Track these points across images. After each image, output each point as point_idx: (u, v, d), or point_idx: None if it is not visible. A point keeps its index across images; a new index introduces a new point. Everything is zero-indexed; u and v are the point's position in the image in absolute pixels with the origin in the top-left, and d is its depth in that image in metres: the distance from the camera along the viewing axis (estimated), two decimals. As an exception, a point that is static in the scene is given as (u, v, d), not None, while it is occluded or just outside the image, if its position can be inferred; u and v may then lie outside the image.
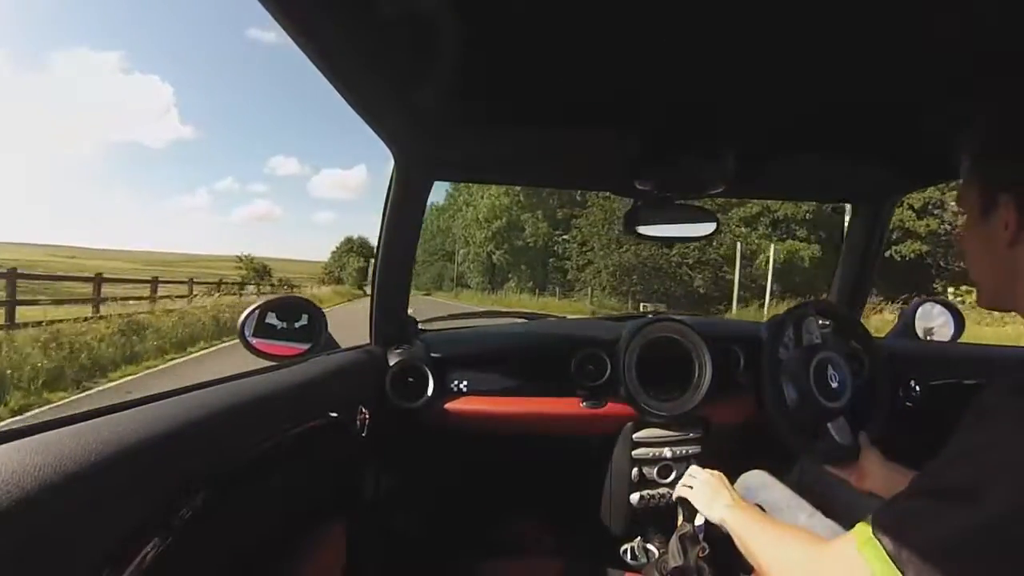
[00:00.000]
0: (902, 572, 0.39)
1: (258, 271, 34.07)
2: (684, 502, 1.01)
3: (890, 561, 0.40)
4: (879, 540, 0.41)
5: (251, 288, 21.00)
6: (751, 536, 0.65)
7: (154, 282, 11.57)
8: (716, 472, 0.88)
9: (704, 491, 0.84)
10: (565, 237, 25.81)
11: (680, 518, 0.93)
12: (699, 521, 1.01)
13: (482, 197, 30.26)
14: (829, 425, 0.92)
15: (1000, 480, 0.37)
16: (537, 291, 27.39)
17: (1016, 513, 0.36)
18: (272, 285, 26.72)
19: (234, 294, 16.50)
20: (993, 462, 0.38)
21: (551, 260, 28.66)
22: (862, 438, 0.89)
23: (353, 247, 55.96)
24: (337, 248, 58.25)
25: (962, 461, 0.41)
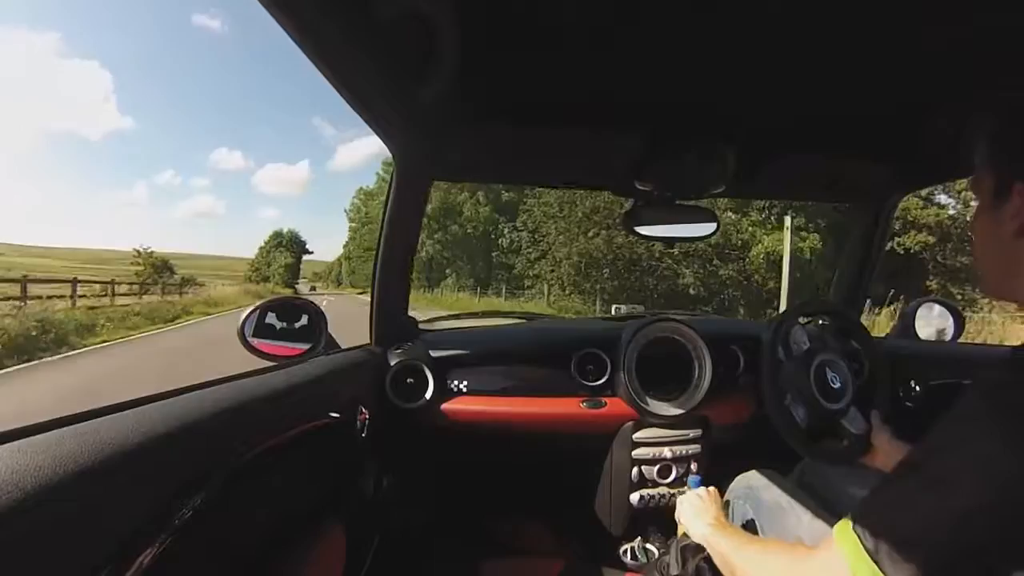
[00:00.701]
0: (877, 564, 0.40)
1: (157, 267, 30.02)
2: (674, 504, 1.01)
3: (866, 555, 0.41)
4: (857, 534, 0.42)
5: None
6: (732, 553, 0.64)
7: (74, 282, 11.72)
8: (710, 489, 0.87)
9: (689, 508, 0.84)
10: (514, 225, 21.44)
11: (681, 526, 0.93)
12: None
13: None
14: (843, 421, 0.92)
15: (971, 476, 0.39)
16: (479, 289, 23.24)
17: (984, 508, 0.37)
18: (175, 285, 23.49)
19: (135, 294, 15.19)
20: (965, 458, 0.40)
21: (495, 253, 24.44)
22: (874, 417, 0.90)
23: (282, 242, 52.60)
24: (265, 243, 54.06)
25: (937, 455, 0.42)
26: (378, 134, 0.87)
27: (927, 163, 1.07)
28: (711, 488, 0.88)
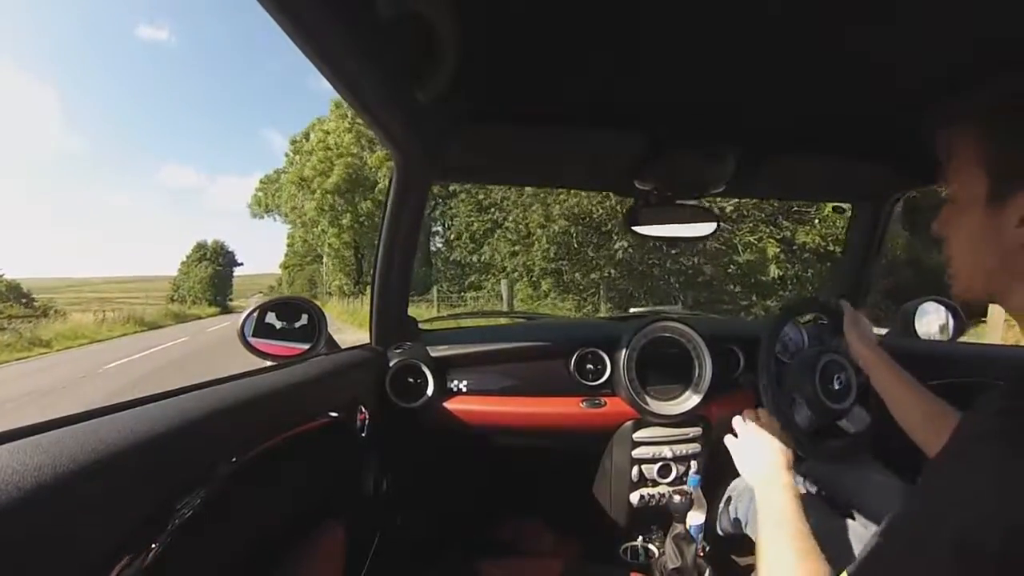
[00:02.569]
0: None
1: (4, 294, 24.39)
2: (673, 503, 1.01)
3: None
4: None
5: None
6: (764, 530, 0.62)
7: None
8: (772, 430, 0.81)
9: (745, 450, 0.80)
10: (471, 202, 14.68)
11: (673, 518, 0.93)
12: (693, 521, 1.01)
13: (314, 134, 17.63)
14: (844, 420, 0.92)
15: (986, 531, 0.33)
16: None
17: (1004, 563, 0.32)
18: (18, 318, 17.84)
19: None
20: (977, 512, 0.34)
21: (440, 244, 18.37)
22: (843, 305, 0.92)
23: (206, 254, 46.95)
24: (187, 257, 48.36)
25: (939, 513, 0.36)
26: (378, 135, 0.87)
27: (927, 163, 1.07)
28: (773, 423, 0.82)
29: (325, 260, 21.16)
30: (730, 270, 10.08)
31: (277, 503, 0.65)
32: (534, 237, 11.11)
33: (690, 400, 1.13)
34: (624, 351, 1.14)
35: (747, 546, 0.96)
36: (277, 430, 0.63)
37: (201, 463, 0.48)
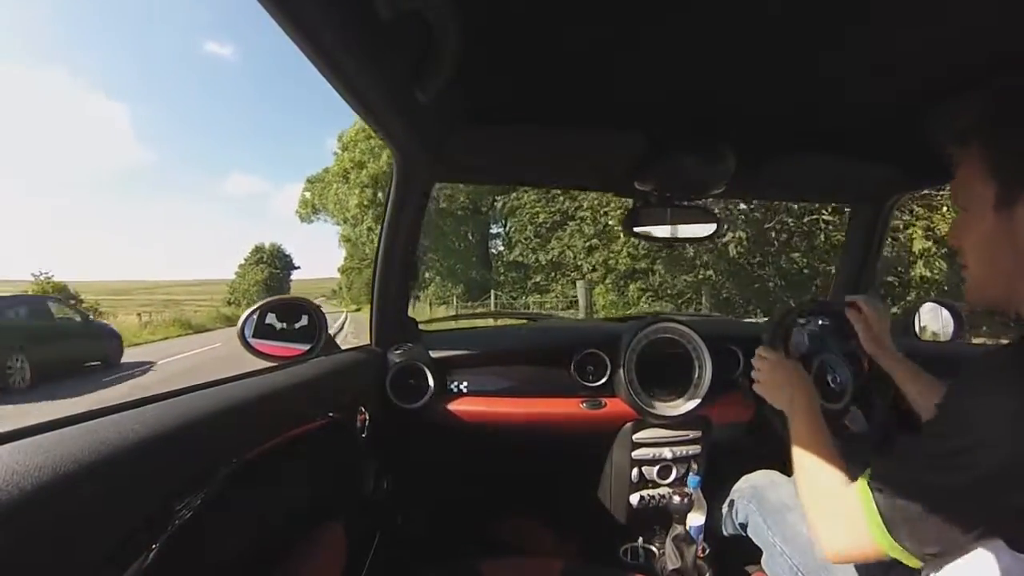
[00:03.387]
0: (893, 534, 0.43)
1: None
2: (673, 503, 1.01)
3: (883, 525, 0.44)
4: (876, 504, 0.45)
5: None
6: (796, 448, 0.67)
7: None
8: (789, 361, 0.84)
9: (771, 381, 0.83)
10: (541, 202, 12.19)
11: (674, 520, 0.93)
12: (693, 522, 1.01)
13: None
14: (844, 421, 0.92)
15: (992, 443, 0.40)
16: (470, 298, 14.60)
17: (1003, 474, 0.39)
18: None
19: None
20: (986, 426, 0.41)
21: (497, 248, 16.24)
22: (863, 300, 0.94)
23: (263, 257, 47.11)
24: (245, 261, 48.15)
25: (956, 427, 0.43)
26: (379, 135, 0.88)
27: (927, 163, 1.07)
28: (789, 360, 0.84)
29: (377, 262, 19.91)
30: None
31: (277, 503, 0.65)
32: (618, 229, 8.40)
33: (690, 401, 1.13)
34: (624, 352, 1.13)
35: (749, 548, 0.96)
36: (277, 430, 0.63)
37: (201, 463, 0.48)
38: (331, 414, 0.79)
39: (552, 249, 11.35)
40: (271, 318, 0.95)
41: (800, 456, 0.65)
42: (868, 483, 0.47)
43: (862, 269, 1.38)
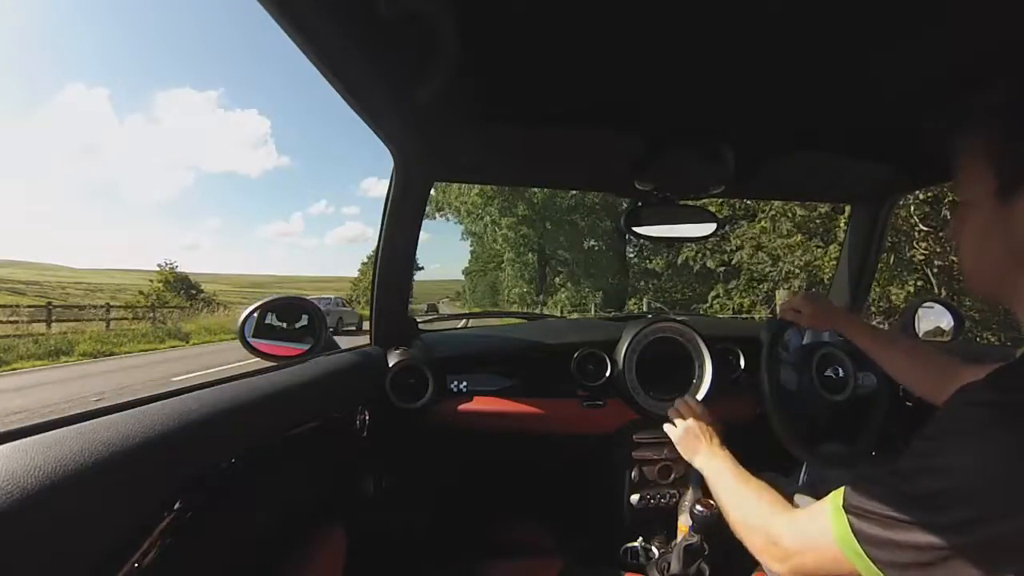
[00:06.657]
0: (869, 557, 0.43)
1: (172, 285, 24.32)
2: (673, 504, 1.01)
3: (856, 543, 0.44)
4: (851, 525, 0.44)
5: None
6: (721, 489, 0.71)
7: (107, 307, 14.01)
8: (700, 414, 0.89)
9: (686, 439, 0.87)
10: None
11: (686, 526, 0.93)
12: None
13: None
14: (821, 447, 0.93)
15: (966, 491, 0.39)
16: (607, 307, 13.31)
17: (979, 520, 0.38)
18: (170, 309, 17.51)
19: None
20: (961, 473, 0.40)
21: (633, 254, 14.73)
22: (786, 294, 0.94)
23: None
24: (368, 258, 48.41)
25: (930, 470, 0.42)
26: (377, 134, 0.88)
27: (927, 163, 1.07)
28: (701, 413, 0.89)
29: (504, 265, 18.77)
30: None
31: (277, 503, 0.65)
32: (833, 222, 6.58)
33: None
34: (624, 352, 1.13)
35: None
36: (277, 430, 0.63)
37: (201, 463, 0.48)
38: (331, 414, 0.79)
39: (731, 251, 8.73)
40: (271, 318, 0.95)
41: (732, 492, 0.68)
42: (843, 506, 0.46)
43: (862, 269, 1.38)
